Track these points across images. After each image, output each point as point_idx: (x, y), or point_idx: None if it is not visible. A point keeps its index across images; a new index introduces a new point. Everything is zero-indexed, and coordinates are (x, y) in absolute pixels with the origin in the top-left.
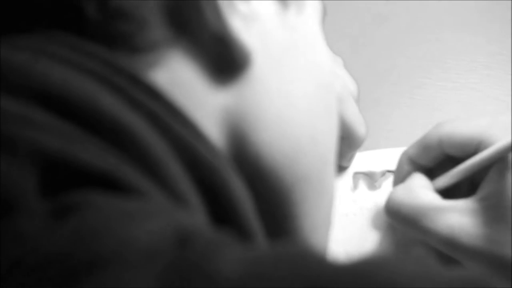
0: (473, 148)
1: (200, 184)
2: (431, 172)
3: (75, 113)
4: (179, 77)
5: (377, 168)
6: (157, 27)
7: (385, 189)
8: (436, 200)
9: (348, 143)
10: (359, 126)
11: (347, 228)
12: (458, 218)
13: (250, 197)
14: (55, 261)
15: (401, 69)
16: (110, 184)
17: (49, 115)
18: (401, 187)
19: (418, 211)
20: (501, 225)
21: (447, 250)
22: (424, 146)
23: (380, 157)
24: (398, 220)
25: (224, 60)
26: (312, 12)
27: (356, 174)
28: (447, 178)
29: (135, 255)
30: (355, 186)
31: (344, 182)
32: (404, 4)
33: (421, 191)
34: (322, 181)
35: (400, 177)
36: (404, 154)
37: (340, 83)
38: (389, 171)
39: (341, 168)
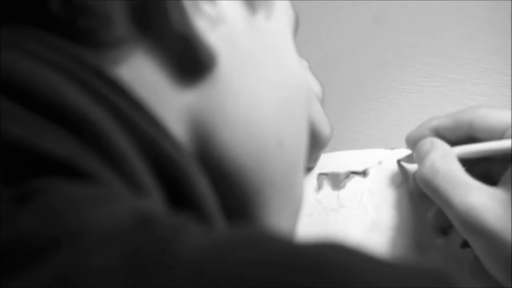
0: (499, 135)
1: (163, 177)
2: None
3: (39, 104)
4: (142, 75)
5: (341, 169)
6: (120, 24)
7: (350, 190)
8: (466, 176)
9: (313, 144)
10: (324, 127)
11: (311, 228)
12: (483, 198)
13: (213, 194)
14: (18, 243)
15: (366, 72)
16: (71, 172)
17: (12, 105)
18: (435, 153)
19: (451, 182)
20: None
21: (463, 226)
22: (455, 121)
23: (344, 158)
24: (429, 188)
25: (189, 61)
26: (282, 18)
27: (320, 175)
28: (465, 150)
29: (97, 236)
30: (319, 187)
31: (308, 182)
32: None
33: (454, 162)
34: (289, 184)
35: (417, 138)
36: (430, 121)
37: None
38: (353, 172)
39: (306, 169)
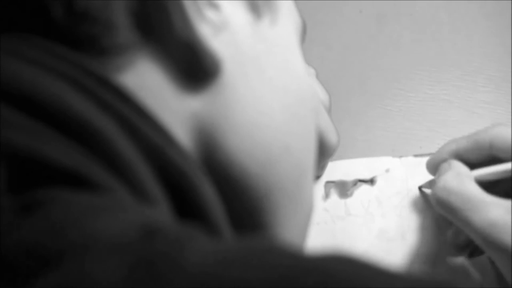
0: None
1: (169, 186)
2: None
3: (44, 113)
4: (147, 81)
5: (348, 177)
6: (123, 30)
7: (357, 198)
8: (482, 193)
9: (320, 152)
10: (331, 135)
11: (318, 237)
12: (502, 214)
13: (220, 202)
14: (21, 255)
15: (373, 80)
16: (77, 181)
17: (18, 114)
18: (449, 174)
19: (465, 200)
20: None
21: (484, 243)
22: (475, 143)
23: (352, 166)
24: (446, 208)
25: (193, 67)
26: (288, 24)
27: (327, 183)
28: (486, 173)
29: (103, 247)
30: (326, 195)
31: (316, 191)
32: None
33: (469, 181)
34: (298, 189)
35: (437, 162)
36: (449, 144)
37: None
38: (360, 181)
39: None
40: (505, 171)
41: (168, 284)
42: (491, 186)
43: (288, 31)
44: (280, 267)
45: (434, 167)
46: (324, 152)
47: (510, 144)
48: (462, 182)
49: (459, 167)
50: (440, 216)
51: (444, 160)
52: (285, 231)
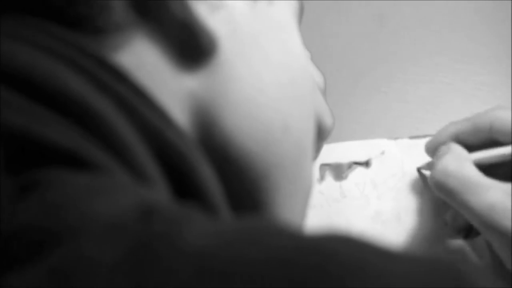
0: None
1: (167, 166)
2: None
3: (41, 93)
4: (144, 61)
5: (344, 160)
6: (119, 10)
7: (352, 181)
8: (480, 176)
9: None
10: (326, 117)
11: (314, 219)
12: (501, 197)
13: (218, 182)
14: (21, 233)
15: (369, 63)
16: (75, 162)
17: (16, 95)
18: (448, 157)
19: (464, 183)
20: None
21: (482, 226)
22: (475, 126)
23: (347, 149)
24: (443, 191)
25: (190, 46)
26: (285, 4)
27: (322, 165)
28: (486, 156)
29: (100, 228)
30: (321, 178)
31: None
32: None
33: (468, 164)
34: (297, 169)
35: (436, 145)
36: (448, 127)
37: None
38: (355, 163)
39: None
40: (504, 155)
41: (166, 265)
42: (490, 169)
43: (285, 11)
44: (279, 248)
45: (433, 149)
46: (319, 135)
47: (510, 127)
48: (461, 164)
49: (458, 150)
50: (437, 198)
51: (443, 143)
52: (285, 211)
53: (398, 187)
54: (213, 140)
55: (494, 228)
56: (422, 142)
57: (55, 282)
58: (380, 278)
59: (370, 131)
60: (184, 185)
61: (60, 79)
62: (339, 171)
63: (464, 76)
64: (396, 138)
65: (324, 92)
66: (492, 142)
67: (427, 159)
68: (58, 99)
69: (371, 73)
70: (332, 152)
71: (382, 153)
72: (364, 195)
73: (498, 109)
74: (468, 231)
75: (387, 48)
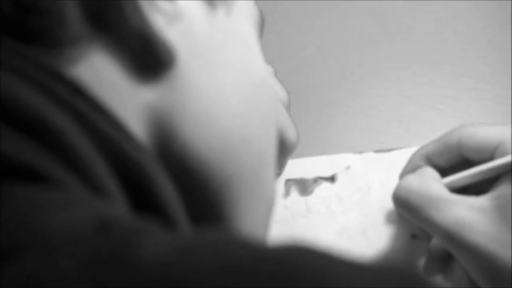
0: (490, 153)
1: (125, 179)
2: (443, 174)
3: None
4: (100, 73)
5: (309, 175)
6: (74, 22)
7: (318, 196)
8: (444, 192)
9: (280, 150)
10: (290, 132)
11: (279, 234)
12: (465, 212)
13: (178, 194)
14: None
15: (332, 77)
16: (30, 176)
17: None
18: (412, 175)
19: (427, 199)
20: (507, 226)
21: (448, 243)
22: (443, 145)
23: (312, 164)
24: (405, 208)
25: (147, 58)
26: (244, 16)
27: (288, 180)
28: (458, 178)
29: (53, 242)
30: (287, 193)
31: (276, 187)
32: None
33: (432, 182)
34: (257, 182)
35: (410, 170)
36: (420, 150)
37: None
38: (321, 178)
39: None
40: (473, 175)
41: (120, 280)
42: (462, 191)
43: (244, 23)
44: (238, 257)
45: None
46: (284, 150)
47: (477, 143)
48: (424, 181)
49: (427, 170)
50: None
51: (418, 167)
52: (246, 223)
53: (364, 201)
54: (172, 152)
55: (460, 243)
56: (387, 156)
57: None
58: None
59: (335, 146)
60: (143, 198)
61: (14, 92)
62: (304, 186)
63: (426, 89)
64: (361, 152)
65: (288, 107)
66: (464, 161)
67: (392, 172)
68: (12, 112)
69: (335, 88)
70: (297, 167)
71: (347, 167)
72: (330, 210)
73: (464, 126)
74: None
75: (348, 62)
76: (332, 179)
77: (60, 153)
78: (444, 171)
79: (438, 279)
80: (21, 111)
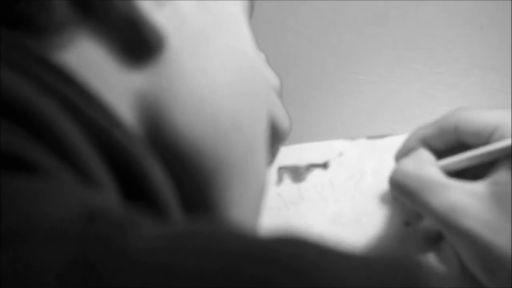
0: (487, 138)
1: (115, 167)
2: (439, 157)
3: None
4: (88, 59)
5: (301, 162)
6: (61, 8)
7: (310, 183)
8: (440, 176)
9: (272, 137)
10: (283, 120)
11: (272, 222)
12: (461, 197)
13: (168, 181)
14: None
15: (324, 63)
16: (17, 165)
17: None
18: (408, 158)
19: (423, 183)
20: (503, 213)
21: (443, 227)
22: (440, 128)
23: (304, 151)
24: (401, 192)
25: (136, 42)
26: (234, 1)
27: (280, 168)
28: (454, 161)
29: (40, 232)
30: (279, 180)
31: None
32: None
33: (428, 165)
34: (248, 168)
35: (405, 152)
36: (416, 132)
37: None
38: (313, 165)
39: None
40: (470, 158)
41: (107, 271)
42: (460, 175)
43: (234, 8)
44: (229, 246)
45: (403, 156)
46: (276, 137)
47: (474, 127)
48: (420, 165)
49: (424, 154)
50: (397, 199)
51: (413, 149)
52: (237, 209)
53: (357, 188)
54: (162, 138)
55: (455, 228)
56: (380, 142)
57: None
58: (337, 276)
59: (327, 132)
60: (133, 186)
61: (1, 80)
62: (297, 173)
63: (418, 75)
64: (353, 139)
65: (280, 94)
66: (460, 145)
67: (385, 159)
68: (0, 101)
69: (327, 74)
70: (289, 155)
71: (340, 154)
72: (323, 197)
73: (462, 109)
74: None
75: (340, 48)
76: (324, 166)
77: (48, 141)
78: (441, 154)
79: (430, 257)
80: (7, 99)
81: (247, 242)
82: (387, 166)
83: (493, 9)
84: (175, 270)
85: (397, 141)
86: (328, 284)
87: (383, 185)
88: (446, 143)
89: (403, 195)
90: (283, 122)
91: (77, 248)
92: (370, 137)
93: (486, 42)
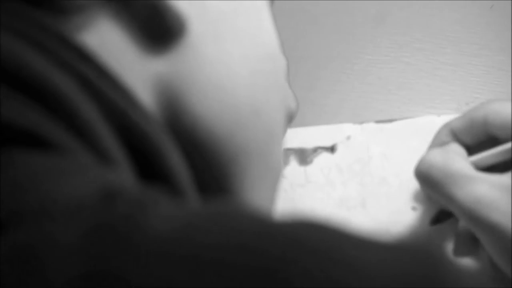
0: None
1: (132, 149)
2: (470, 151)
3: (1, 71)
4: (108, 41)
5: (308, 144)
6: None
7: (317, 166)
8: (468, 169)
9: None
10: (290, 101)
11: (278, 204)
12: (487, 190)
13: (185, 166)
14: None
15: (331, 44)
16: (35, 142)
17: None
18: (436, 150)
19: (449, 175)
20: None
21: (468, 220)
22: (469, 121)
23: (311, 133)
24: (426, 182)
25: (157, 27)
26: None
27: (286, 150)
28: (484, 157)
29: (62, 210)
30: (286, 162)
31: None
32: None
33: (456, 158)
34: (267, 155)
35: (436, 146)
36: (446, 125)
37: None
38: (320, 148)
39: None
40: (499, 153)
41: (129, 248)
42: (488, 170)
43: None
44: (246, 234)
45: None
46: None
47: (504, 119)
48: (448, 157)
49: (453, 146)
50: (404, 184)
51: (444, 143)
52: (253, 196)
53: (364, 172)
54: (181, 123)
55: (480, 222)
56: (388, 126)
57: (18, 260)
58: (355, 268)
59: (334, 114)
60: (150, 168)
61: (20, 56)
62: (303, 155)
63: (426, 55)
64: (361, 123)
65: (287, 75)
66: (490, 139)
67: (392, 143)
68: (18, 77)
69: (334, 55)
70: (296, 137)
71: (348, 138)
72: (329, 180)
73: (492, 102)
74: (438, 218)
75: (348, 29)
76: (332, 149)
77: (65, 118)
78: (473, 150)
79: (466, 261)
80: (25, 75)
81: (265, 230)
82: (395, 151)
83: None
84: (194, 252)
85: (405, 125)
86: (348, 266)
87: (391, 169)
88: (475, 136)
89: (428, 186)
90: (291, 103)
91: (96, 223)
92: (378, 121)
93: (496, 22)
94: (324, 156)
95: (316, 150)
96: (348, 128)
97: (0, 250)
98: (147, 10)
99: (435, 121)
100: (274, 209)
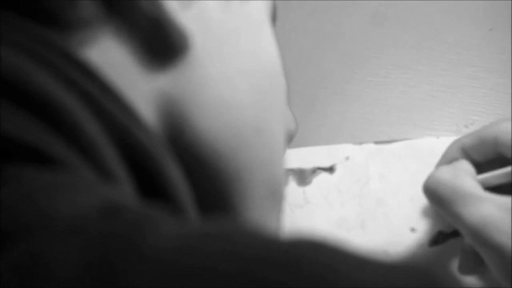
0: None
1: (133, 165)
2: (479, 169)
3: (4, 86)
4: (111, 57)
5: (307, 165)
6: (87, 5)
7: (316, 186)
8: (476, 188)
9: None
10: (289, 122)
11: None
12: (493, 211)
13: (187, 183)
14: None
15: (331, 65)
16: (37, 157)
17: None
18: (445, 167)
19: (456, 193)
20: None
21: (472, 239)
22: (480, 139)
23: (310, 154)
24: (434, 199)
25: (160, 43)
26: (259, 3)
27: (286, 170)
28: (492, 176)
29: (59, 227)
30: (284, 183)
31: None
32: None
33: (464, 176)
34: (269, 173)
35: (446, 162)
36: (456, 142)
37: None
38: (319, 168)
39: None
40: (508, 174)
41: (125, 268)
42: (497, 190)
43: (259, 10)
44: (247, 247)
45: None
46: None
47: None
48: (456, 174)
49: (462, 164)
50: (403, 205)
51: (454, 159)
52: (256, 215)
53: (362, 193)
54: (183, 139)
55: (484, 242)
56: (387, 147)
57: (15, 278)
58: (357, 282)
59: (334, 135)
60: (151, 185)
61: (23, 71)
62: (302, 176)
63: (425, 77)
64: (361, 143)
65: (288, 96)
66: (501, 160)
67: (392, 164)
68: (21, 92)
69: (333, 75)
70: (295, 157)
71: (347, 158)
72: (328, 201)
73: (503, 121)
74: (437, 239)
75: (346, 49)
76: (331, 169)
77: (68, 134)
78: (482, 167)
79: (472, 278)
80: (29, 90)
81: (266, 244)
82: (394, 172)
83: (503, 11)
84: (192, 271)
85: (404, 147)
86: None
87: (389, 190)
88: (485, 155)
89: (435, 203)
90: (290, 123)
91: (95, 248)
92: (378, 142)
93: (495, 44)
94: (323, 176)
95: (315, 170)
96: (347, 148)
97: (3, 261)
98: (150, 26)
99: (434, 143)
100: (280, 230)
